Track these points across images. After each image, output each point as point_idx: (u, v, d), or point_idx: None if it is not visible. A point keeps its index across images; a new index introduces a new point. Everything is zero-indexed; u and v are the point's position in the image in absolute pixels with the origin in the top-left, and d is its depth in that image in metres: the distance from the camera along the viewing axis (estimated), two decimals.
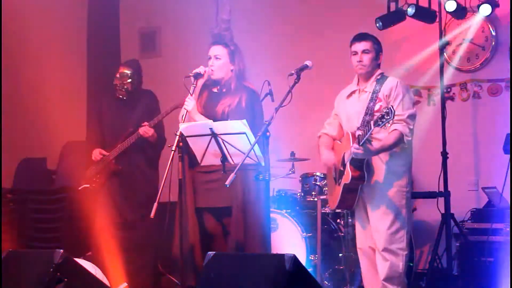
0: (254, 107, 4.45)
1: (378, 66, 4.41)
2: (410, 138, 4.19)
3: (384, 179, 4.27)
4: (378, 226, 4.27)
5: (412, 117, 4.24)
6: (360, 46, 4.35)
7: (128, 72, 5.39)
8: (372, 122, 3.94)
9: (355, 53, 4.37)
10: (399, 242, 4.24)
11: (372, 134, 4.09)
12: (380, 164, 4.28)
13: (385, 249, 4.24)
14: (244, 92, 4.47)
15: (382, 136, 4.21)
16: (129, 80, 5.38)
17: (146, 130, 5.10)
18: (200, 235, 4.50)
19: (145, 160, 5.35)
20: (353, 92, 4.45)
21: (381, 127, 3.90)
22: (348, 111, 4.43)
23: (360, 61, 4.34)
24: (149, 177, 5.35)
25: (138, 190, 5.29)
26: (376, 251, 4.31)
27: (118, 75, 5.39)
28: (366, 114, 4.24)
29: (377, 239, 4.28)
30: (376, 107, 4.08)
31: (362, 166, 4.22)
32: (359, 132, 4.10)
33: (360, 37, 4.39)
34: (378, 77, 4.36)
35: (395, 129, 4.16)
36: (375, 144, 4.16)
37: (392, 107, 3.86)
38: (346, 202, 4.37)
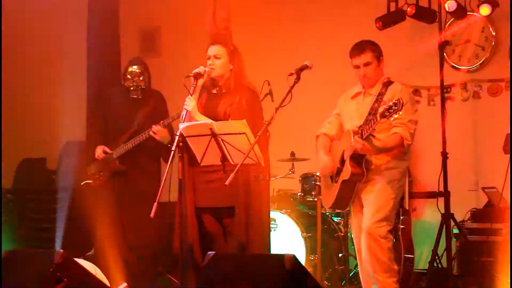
0: (254, 107, 4.45)
1: (381, 70, 4.42)
2: (410, 142, 4.23)
3: (384, 175, 4.30)
4: (364, 213, 4.32)
5: (413, 122, 4.27)
6: (361, 59, 4.34)
7: (138, 70, 5.39)
8: (378, 114, 3.95)
9: (357, 67, 4.36)
10: (379, 232, 4.25)
11: (374, 129, 4.10)
12: (380, 162, 4.30)
13: (366, 234, 4.26)
14: (243, 92, 4.48)
15: (382, 136, 4.22)
16: (141, 78, 5.39)
17: (159, 130, 5.05)
18: (200, 235, 4.51)
19: (149, 160, 5.34)
20: (358, 93, 4.47)
21: (388, 118, 3.91)
22: (351, 111, 4.45)
23: (364, 75, 4.35)
24: (152, 177, 5.34)
25: (140, 190, 5.29)
26: (362, 241, 4.32)
27: (128, 76, 5.38)
28: (370, 114, 4.26)
29: (364, 225, 4.31)
30: (380, 110, 4.09)
31: (362, 162, 4.24)
32: (360, 130, 4.13)
33: (359, 50, 4.36)
34: (385, 80, 4.37)
35: (396, 132, 4.19)
36: (376, 143, 4.17)
37: (401, 99, 3.87)
38: (342, 200, 4.40)
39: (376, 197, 4.29)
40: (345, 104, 4.54)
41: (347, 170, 4.23)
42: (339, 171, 4.35)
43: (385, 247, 4.27)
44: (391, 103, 3.89)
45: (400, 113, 3.90)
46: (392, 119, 3.97)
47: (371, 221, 4.26)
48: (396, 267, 4.36)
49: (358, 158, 4.23)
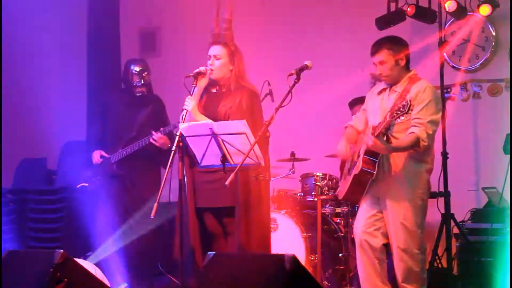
0: (254, 107, 4.45)
1: (407, 67, 4.35)
2: (426, 143, 4.13)
3: (403, 179, 4.24)
4: (394, 226, 4.25)
5: (434, 123, 4.17)
6: (376, 59, 4.31)
7: (142, 67, 5.40)
8: (388, 114, 3.94)
9: (375, 65, 4.34)
10: (414, 242, 4.23)
11: (392, 131, 4.08)
12: (399, 163, 4.25)
13: (401, 249, 4.23)
14: (244, 92, 4.47)
15: (401, 136, 4.19)
16: (146, 73, 5.39)
17: (160, 137, 5.02)
18: (200, 235, 4.50)
19: (148, 164, 5.32)
20: (384, 89, 4.42)
21: (395, 118, 3.89)
22: (375, 106, 4.40)
23: (380, 73, 4.33)
24: (151, 180, 5.33)
25: (139, 192, 5.28)
26: (393, 250, 4.29)
27: (135, 71, 5.36)
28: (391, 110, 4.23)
29: (394, 238, 4.26)
30: (402, 103, 4.05)
31: (375, 161, 4.20)
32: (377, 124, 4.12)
33: (375, 48, 4.32)
34: (412, 76, 4.31)
35: (412, 132, 4.13)
36: (390, 142, 4.15)
37: (410, 101, 3.85)
38: (353, 194, 4.38)
39: (406, 212, 4.21)
40: (371, 99, 4.49)
41: (359, 165, 4.22)
42: (354, 165, 4.34)
43: (418, 259, 4.24)
44: (400, 104, 3.87)
45: (403, 117, 3.86)
46: (399, 120, 3.93)
47: (410, 239, 4.21)
48: (425, 275, 4.32)
49: (371, 155, 4.19)
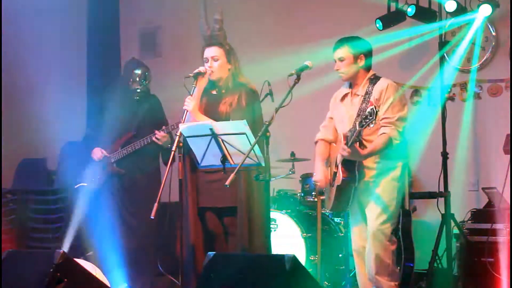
0: (254, 105, 4.45)
1: (366, 68, 4.35)
2: (398, 141, 4.17)
3: (376, 171, 4.26)
4: (368, 216, 4.29)
5: (402, 119, 4.20)
6: (336, 54, 4.34)
7: (144, 72, 5.40)
8: (357, 123, 3.94)
9: (336, 61, 4.36)
10: (385, 233, 4.25)
11: (362, 136, 4.09)
12: (372, 158, 4.26)
13: (371, 236, 4.25)
14: (243, 90, 4.48)
15: (372, 138, 4.20)
16: (147, 81, 5.41)
17: (163, 136, 5.02)
18: (202, 235, 4.50)
19: (149, 162, 5.32)
20: (346, 95, 4.43)
21: (364, 127, 3.89)
22: (341, 114, 4.42)
23: (337, 69, 4.34)
24: (152, 179, 5.33)
25: (140, 191, 5.28)
26: (367, 243, 4.32)
27: (137, 75, 5.37)
28: (358, 115, 4.22)
29: (368, 229, 4.30)
30: (368, 111, 4.08)
31: (354, 168, 4.20)
32: (348, 134, 4.11)
33: (336, 44, 4.36)
34: (372, 77, 4.33)
35: (384, 133, 4.16)
36: (364, 148, 4.15)
37: (375, 108, 3.85)
38: (340, 203, 4.37)
39: (378, 199, 4.25)
40: (336, 107, 4.50)
41: (339, 176, 4.22)
42: (335, 176, 4.34)
43: (389, 250, 4.26)
44: (367, 112, 3.87)
45: (374, 124, 3.88)
46: (368, 128, 3.94)
47: (376, 223, 4.24)
48: (397, 270, 4.35)
49: (349, 164, 4.19)
